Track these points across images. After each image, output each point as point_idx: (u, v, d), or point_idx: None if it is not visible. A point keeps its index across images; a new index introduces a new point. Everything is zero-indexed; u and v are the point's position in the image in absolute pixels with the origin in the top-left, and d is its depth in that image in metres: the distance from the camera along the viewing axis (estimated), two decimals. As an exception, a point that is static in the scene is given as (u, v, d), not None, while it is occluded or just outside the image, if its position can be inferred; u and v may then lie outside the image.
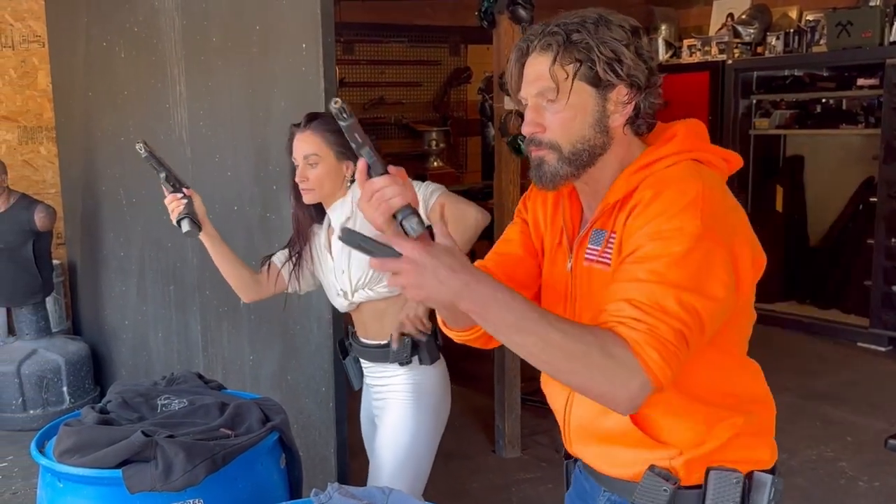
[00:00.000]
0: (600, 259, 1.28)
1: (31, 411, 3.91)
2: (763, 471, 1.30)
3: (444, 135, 5.98)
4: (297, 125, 2.07)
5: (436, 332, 2.06)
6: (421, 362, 2.10)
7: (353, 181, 2.06)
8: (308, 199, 2.07)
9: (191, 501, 1.69)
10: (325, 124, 2.03)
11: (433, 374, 2.14)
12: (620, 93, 1.26)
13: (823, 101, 5.60)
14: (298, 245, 2.18)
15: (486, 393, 4.09)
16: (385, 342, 2.09)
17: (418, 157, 6.02)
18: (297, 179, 2.05)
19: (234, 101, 2.89)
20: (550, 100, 1.25)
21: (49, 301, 4.18)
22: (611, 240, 1.26)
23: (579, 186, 1.35)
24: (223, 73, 2.93)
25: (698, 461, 1.28)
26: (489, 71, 5.45)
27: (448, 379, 2.20)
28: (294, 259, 2.18)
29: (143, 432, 1.70)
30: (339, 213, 2.07)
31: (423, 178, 5.89)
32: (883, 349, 5.04)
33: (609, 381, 1.11)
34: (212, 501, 1.70)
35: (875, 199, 5.04)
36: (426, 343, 2.09)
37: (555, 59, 1.24)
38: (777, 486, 1.29)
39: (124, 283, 3.80)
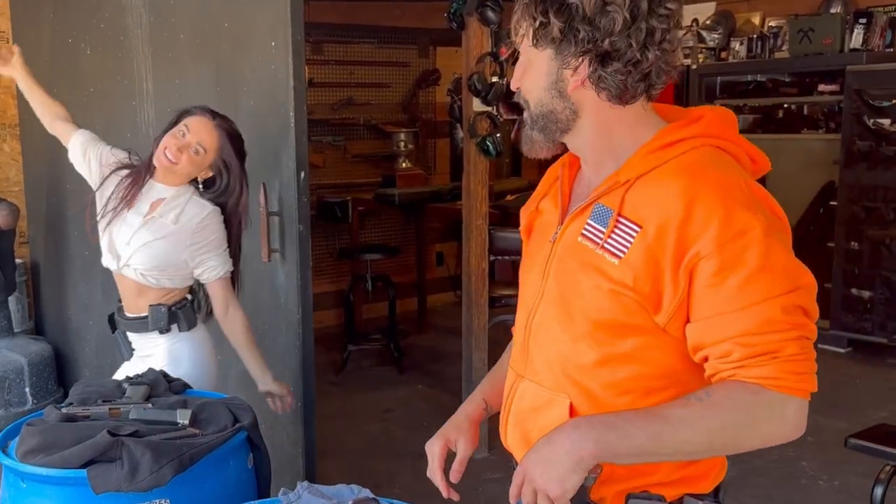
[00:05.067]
0: (604, 244, 1.15)
1: (-8, 412, 3.85)
2: (697, 495, 1.20)
3: (413, 136, 5.98)
4: (204, 110, 2.24)
5: (194, 300, 2.30)
6: (179, 329, 2.27)
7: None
8: (165, 178, 2.23)
9: (157, 502, 1.67)
10: (227, 128, 2.23)
11: (192, 340, 2.30)
12: (576, 59, 1.15)
13: (786, 106, 5.72)
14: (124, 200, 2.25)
15: (453, 393, 4.11)
16: (144, 315, 2.25)
17: (387, 158, 6.02)
18: (170, 155, 2.17)
19: (202, 98, 2.86)
20: (519, 50, 1.20)
21: (11, 300, 4.11)
22: (623, 226, 1.14)
23: (583, 161, 1.27)
24: (191, 71, 2.91)
25: (620, 483, 1.18)
26: (458, 73, 5.46)
27: (209, 344, 2.39)
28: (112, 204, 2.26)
29: (108, 431, 1.68)
30: (172, 204, 2.21)
31: (392, 180, 5.88)
32: (842, 350, 5.15)
33: (769, 426, 1.10)
34: (179, 501, 1.69)
35: (835, 203, 5.15)
36: (184, 311, 2.27)
37: (525, 11, 1.17)
38: None
39: (89, 282, 3.74)
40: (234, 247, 2.30)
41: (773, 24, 5.73)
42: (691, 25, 6.10)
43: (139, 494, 1.64)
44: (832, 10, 5.38)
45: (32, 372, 3.91)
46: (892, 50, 5.16)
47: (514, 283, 4.05)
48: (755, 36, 5.70)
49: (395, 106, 6.30)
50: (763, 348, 1.06)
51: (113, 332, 2.37)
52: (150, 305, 2.24)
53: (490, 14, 3.43)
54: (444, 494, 1.36)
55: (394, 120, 6.22)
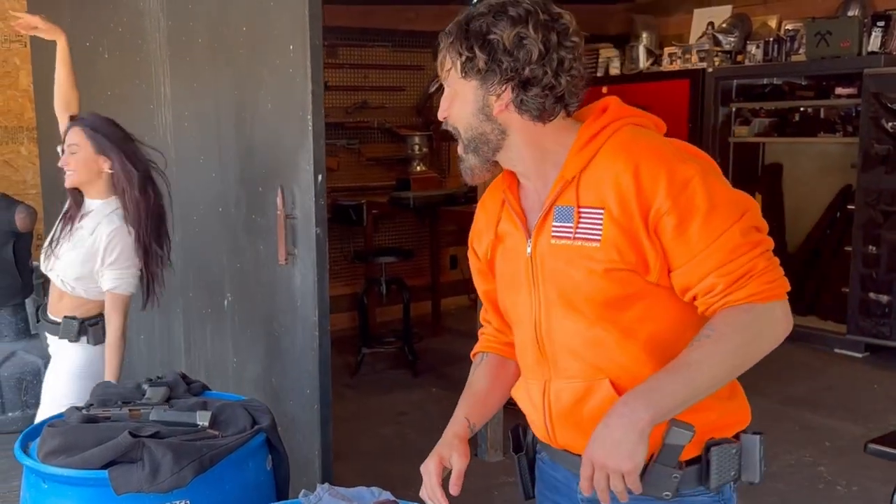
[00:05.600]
0: (578, 235, 1.28)
1: (10, 413, 3.87)
2: (747, 432, 1.35)
3: (427, 139, 5.98)
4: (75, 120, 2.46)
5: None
6: (88, 342, 2.43)
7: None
8: (68, 182, 2.41)
9: (178, 503, 1.68)
10: (88, 123, 2.41)
11: (96, 354, 2.43)
12: (497, 87, 1.29)
13: (802, 109, 5.67)
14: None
15: (468, 397, 4.10)
16: (58, 321, 2.43)
17: (401, 161, 6.02)
18: (61, 163, 2.40)
19: (219, 102, 2.88)
20: (445, 84, 1.33)
21: (28, 303, 4.13)
22: (587, 215, 1.28)
23: (521, 177, 1.39)
24: (209, 75, 2.92)
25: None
26: (473, 76, 5.46)
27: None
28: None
29: (130, 433, 1.69)
30: (95, 217, 2.39)
31: (406, 183, 5.87)
32: (859, 355, 5.11)
33: (769, 332, 1.25)
34: (199, 503, 1.70)
35: (853, 207, 5.11)
36: (94, 328, 2.42)
37: (444, 52, 1.32)
38: (763, 444, 1.34)
39: (106, 284, 3.77)
40: (149, 257, 2.40)
41: (789, 27, 5.70)
42: (707, 29, 6.08)
43: (160, 495, 1.65)
44: (850, 13, 5.34)
45: (50, 373, 3.93)
46: (909, 53, 5.12)
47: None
48: (771, 39, 5.67)
49: (409, 109, 6.30)
50: (739, 272, 1.22)
51: (37, 322, 2.62)
52: (65, 317, 2.42)
53: (506, 17, 3.42)
54: None
55: (408, 123, 6.23)
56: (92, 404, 1.94)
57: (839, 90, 5.27)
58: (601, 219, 1.26)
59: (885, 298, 4.93)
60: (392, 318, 5.76)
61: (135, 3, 3.26)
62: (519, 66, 1.27)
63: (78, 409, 1.88)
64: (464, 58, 1.29)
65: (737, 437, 1.34)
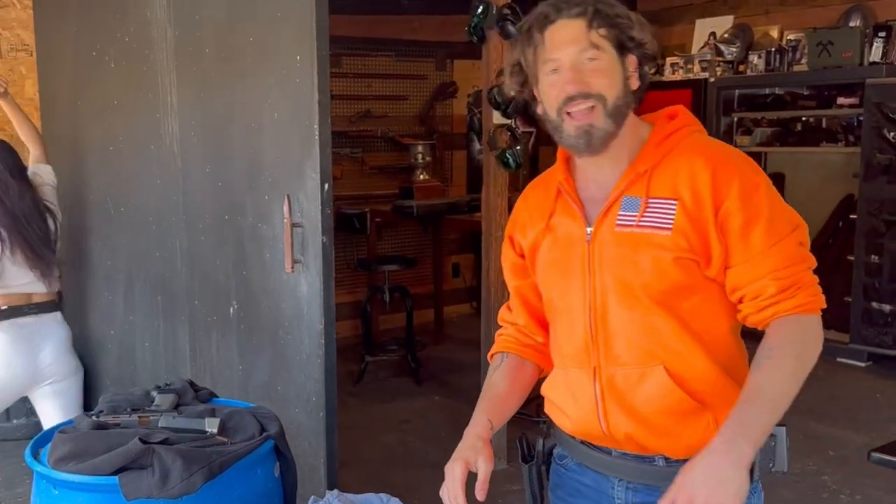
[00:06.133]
0: (644, 223, 1.37)
1: (15, 421, 3.88)
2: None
3: (430, 148, 6.01)
4: None
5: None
6: None
7: None
8: None
9: (186, 509, 1.69)
10: None
11: None
12: (632, 62, 1.41)
13: (804, 119, 5.70)
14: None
15: (471, 404, 4.10)
16: None
17: (404, 170, 6.05)
18: None
19: (226, 111, 2.90)
20: (592, 58, 1.37)
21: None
22: (658, 205, 1.36)
23: (586, 162, 1.46)
24: (216, 84, 2.94)
25: None
26: (477, 86, 5.50)
27: (10, 348, 2.80)
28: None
29: (140, 439, 1.71)
30: None
31: (409, 192, 5.90)
32: (863, 364, 5.12)
33: (815, 343, 1.34)
34: (207, 509, 1.71)
35: (855, 217, 5.13)
36: None
37: (590, 24, 1.37)
38: (788, 435, 1.40)
39: (111, 292, 3.78)
40: None
41: (791, 37, 5.73)
42: (709, 39, 6.11)
43: (170, 501, 1.66)
44: (851, 24, 5.37)
45: (55, 381, 3.94)
46: (911, 63, 5.14)
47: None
48: (773, 49, 5.69)
49: (412, 118, 6.33)
50: (791, 280, 1.32)
51: None
52: None
53: (510, 28, 3.45)
54: None
55: (411, 132, 6.26)
56: (102, 411, 1.95)
57: (841, 100, 5.30)
58: (674, 210, 1.35)
59: (887, 308, 4.94)
60: (395, 326, 5.77)
61: (142, 13, 3.28)
62: (646, 41, 1.41)
63: (88, 415, 1.89)
64: (614, 31, 1.38)
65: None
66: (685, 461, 1.29)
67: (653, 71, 1.47)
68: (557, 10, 1.38)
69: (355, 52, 5.94)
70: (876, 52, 5.07)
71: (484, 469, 1.43)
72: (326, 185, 2.50)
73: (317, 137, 2.47)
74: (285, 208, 2.55)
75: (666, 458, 1.42)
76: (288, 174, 2.61)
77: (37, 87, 4.53)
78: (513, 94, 1.50)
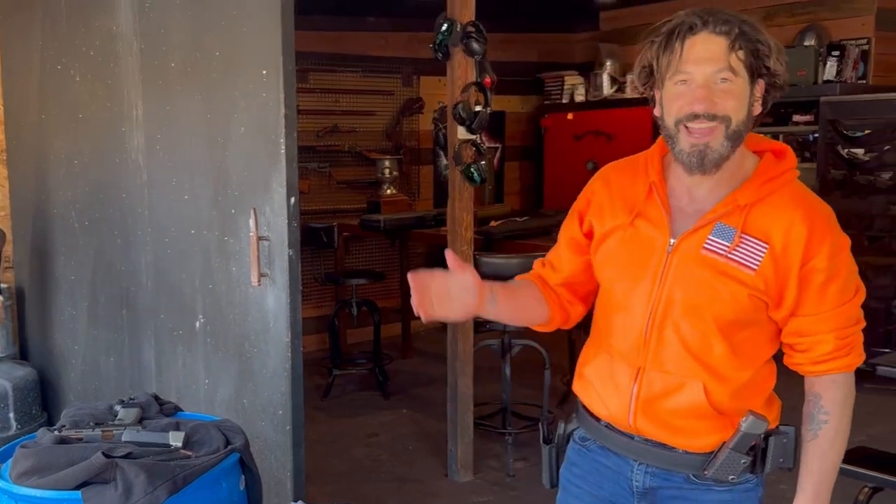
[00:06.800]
0: (733, 256, 1.42)
1: (-26, 438, 3.81)
2: (782, 424, 1.55)
3: (397, 163, 6.05)
4: None
5: None
6: None
7: None
8: None
9: (151, 522, 1.69)
10: None
11: None
12: (760, 88, 1.43)
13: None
14: None
15: (438, 418, 4.13)
16: None
17: (371, 185, 6.07)
18: None
19: (192, 125, 2.91)
20: (725, 79, 1.38)
21: (-6, 325, 4.09)
22: (750, 243, 1.42)
23: (692, 182, 1.48)
24: (182, 98, 2.95)
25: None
26: (442, 101, 5.55)
27: None
28: None
29: (103, 453, 1.71)
30: None
31: (377, 206, 5.93)
32: (820, 374, 5.21)
33: (853, 398, 1.49)
34: (172, 522, 1.71)
35: (812, 230, 5.25)
36: None
37: (732, 45, 1.37)
38: (795, 435, 1.52)
39: (75, 307, 3.75)
40: None
41: (749, 55, 5.87)
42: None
43: (134, 515, 1.66)
44: (806, 43, 5.52)
45: (17, 397, 3.89)
46: (864, 81, 5.30)
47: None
48: (732, 67, 5.82)
49: (379, 133, 6.37)
50: (849, 340, 1.45)
51: None
52: None
53: (475, 45, 3.51)
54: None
55: (378, 147, 6.30)
56: (64, 425, 1.94)
57: (797, 117, 5.44)
58: (764, 252, 1.41)
59: (844, 319, 5.06)
60: (362, 339, 5.78)
61: (107, 27, 3.28)
62: (779, 72, 1.42)
63: (50, 430, 1.89)
64: (752, 56, 1.39)
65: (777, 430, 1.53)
66: (704, 454, 1.47)
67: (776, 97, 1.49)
68: (704, 23, 1.38)
69: (323, 68, 5.97)
70: (830, 70, 5.22)
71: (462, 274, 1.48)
72: (293, 199, 2.52)
73: (283, 151, 2.50)
74: (252, 222, 2.56)
75: (686, 450, 1.51)
76: (254, 188, 2.62)
77: (1, 100, 4.48)
78: (640, 91, 1.54)
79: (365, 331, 5.63)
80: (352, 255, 6.20)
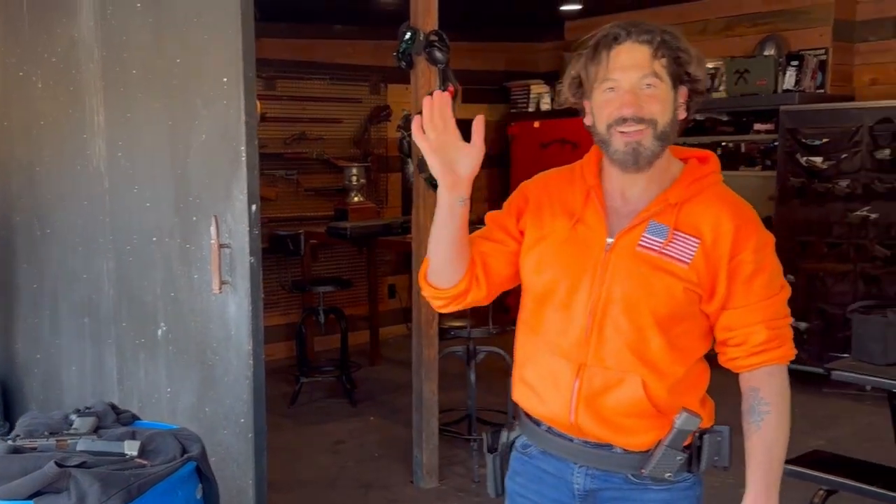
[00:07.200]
0: (667, 251, 1.49)
1: (-69, 450, 3.75)
2: (716, 425, 1.61)
3: (365, 170, 6.05)
4: None
5: None
6: None
7: None
8: None
9: (105, 531, 1.68)
10: None
11: None
12: (683, 94, 1.52)
13: (724, 144, 5.93)
14: None
15: (405, 424, 4.14)
16: None
17: (339, 192, 6.07)
18: None
19: (153, 132, 2.90)
20: (650, 84, 1.46)
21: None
22: (682, 238, 1.50)
23: (620, 174, 1.54)
24: (143, 105, 2.94)
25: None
26: (407, 109, 5.57)
27: None
28: None
29: (56, 462, 1.70)
30: None
31: (344, 214, 5.93)
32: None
33: (789, 387, 1.56)
34: (127, 531, 1.70)
35: (772, 237, 5.34)
36: None
37: (655, 53, 1.46)
38: (729, 434, 1.58)
39: (37, 315, 3.71)
40: None
41: (710, 65, 5.96)
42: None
43: (87, 524, 1.64)
44: (766, 53, 5.63)
45: (-24, 407, 3.84)
46: (823, 91, 5.42)
47: (463, 314, 4.12)
48: (695, 76, 5.91)
49: (346, 141, 6.38)
50: (779, 332, 1.51)
51: None
52: None
53: (437, 54, 3.54)
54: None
55: (346, 154, 6.30)
56: (18, 435, 1.93)
57: (757, 126, 5.54)
58: (696, 247, 1.49)
59: (803, 325, 5.15)
60: (330, 347, 5.77)
61: (68, 33, 3.26)
62: (700, 79, 1.51)
63: (3, 439, 1.87)
64: (674, 63, 1.47)
65: (711, 429, 1.58)
66: (642, 452, 1.51)
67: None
68: (627, 33, 1.47)
69: (290, 76, 5.97)
70: (789, 80, 5.32)
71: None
72: (254, 207, 2.52)
73: (244, 159, 2.50)
74: (213, 229, 2.56)
75: (624, 449, 1.54)
76: (216, 195, 2.62)
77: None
78: (569, 102, 1.61)
79: (332, 338, 5.62)
80: (319, 262, 6.20)
